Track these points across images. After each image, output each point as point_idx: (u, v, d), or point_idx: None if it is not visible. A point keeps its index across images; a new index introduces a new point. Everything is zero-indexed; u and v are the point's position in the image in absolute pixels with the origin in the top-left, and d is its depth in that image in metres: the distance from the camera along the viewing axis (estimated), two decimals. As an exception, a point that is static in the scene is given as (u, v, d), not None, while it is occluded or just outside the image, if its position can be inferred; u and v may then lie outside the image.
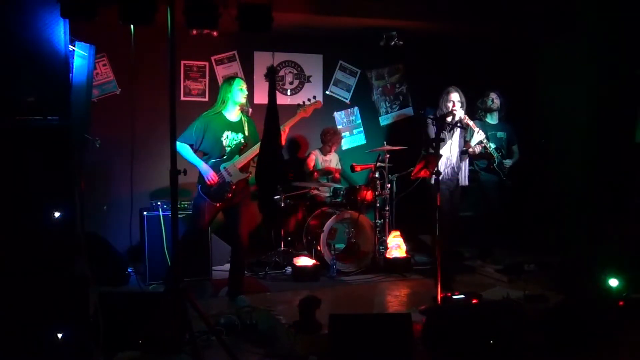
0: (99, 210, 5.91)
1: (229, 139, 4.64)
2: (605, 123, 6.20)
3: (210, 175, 4.54)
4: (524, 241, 6.73)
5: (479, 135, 5.71)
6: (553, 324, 3.83)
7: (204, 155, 4.66)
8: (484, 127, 5.86)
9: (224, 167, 4.60)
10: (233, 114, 4.68)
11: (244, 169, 4.67)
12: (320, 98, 7.02)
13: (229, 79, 4.74)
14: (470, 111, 5.94)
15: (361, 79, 7.27)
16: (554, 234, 6.60)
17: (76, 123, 3.68)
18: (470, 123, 5.67)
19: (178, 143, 4.50)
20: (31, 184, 3.21)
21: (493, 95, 5.96)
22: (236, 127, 4.68)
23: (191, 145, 4.60)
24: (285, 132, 4.61)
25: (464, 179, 5.53)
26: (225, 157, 4.63)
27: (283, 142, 4.58)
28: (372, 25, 6.17)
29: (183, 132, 4.57)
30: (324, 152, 6.58)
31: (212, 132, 4.60)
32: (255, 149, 4.62)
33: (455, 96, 5.38)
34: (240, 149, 4.65)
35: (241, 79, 4.76)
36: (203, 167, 4.56)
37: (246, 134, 4.69)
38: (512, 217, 6.44)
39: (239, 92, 4.62)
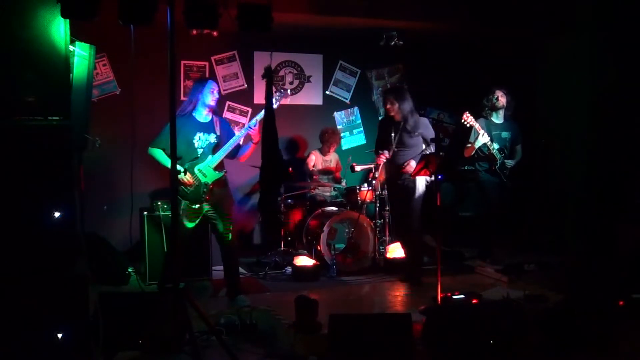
0: (99, 210, 5.91)
1: (201, 140, 4.63)
2: (605, 123, 6.21)
3: (185, 177, 4.53)
4: (524, 241, 6.73)
5: (483, 138, 5.70)
6: (553, 324, 3.82)
7: (178, 159, 4.63)
8: (489, 126, 5.84)
9: (198, 169, 4.59)
10: (203, 114, 4.67)
11: (218, 168, 4.65)
12: (320, 98, 7.09)
13: (201, 81, 4.71)
14: (476, 110, 5.93)
15: (361, 79, 7.27)
16: (554, 234, 6.61)
17: (76, 123, 3.68)
18: (475, 125, 5.65)
19: (151, 148, 4.54)
20: (31, 184, 3.21)
21: (498, 93, 5.89)
22: (207, 127, 4.67)
23: (164, 150, 4.57)
24: (256, 127, 4.59)
25: (417, 182, 5.25)
26: (198, 159, 4.62)
27: (256, 139, 4.59)
28: (372, 25, 6.17)
29: (156, 137, 4.59)
30: (323, 152, 6.58)
31: (183, 136, 4.55)
32: (229, 148, 4.62)
33: (390, 98, 5.29)
34: (213, 149, 4.64)
35: (213, 81, 4.72)
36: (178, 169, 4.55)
37: (218, 133, 4.69)
38: (512, 217, 6.44)
39: (209, 95, 4.60)
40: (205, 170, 4.59)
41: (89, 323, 3.34)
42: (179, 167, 4.52)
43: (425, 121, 5.33)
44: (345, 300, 4.97)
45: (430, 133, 5.29)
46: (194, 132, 4.61)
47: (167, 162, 4.54)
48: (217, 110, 4.78)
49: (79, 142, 4.05)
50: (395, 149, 5.28)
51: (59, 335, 3.17)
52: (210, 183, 4.60)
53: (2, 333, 3.12)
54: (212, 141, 4.64)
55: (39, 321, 3.17)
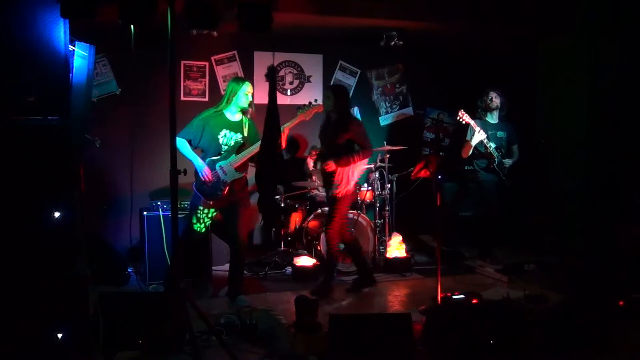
0: (99, 210, 5.91)
1: (227, 137, 4.65)
2: (605, 123, 6.21)
3: (205, 172, 4.57)
4: (524, 241, 6.73)
5: (479, 135, 5.74)
6: (553, 324, 3.82)
7: (201, 152, 4.70)
8: (485, 126, 5.87)
9: (220, 166, 4.62)
10: (235, 114, 4.70)
11: (240, 168, 4.67)
12: (320, 98, 7.08)
13: (238, 81, 4.71)
14: (473, 110, 5.95)
15: (361, 79, 7.27)
16: (554, 234, 6.61)
17: (76, 123, 3.68)
18: (471, 122, 5.70)
19: (177, 138, 4.54)
20: (31, 184, 3.21)
21: (492, 94, 5.94)
22: (235, 126, 4.69)
23: (190, 142, 4.63)
24: (284, 133, 4.61)
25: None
26: (221, 156, 4.64)
27: (284, 144, 4.58)
28: (372, 25, 6.17)
29: (184, 127, 4.61)
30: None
31: (210, 130, 4.63)
32: (253, 150, 4.63)
33: (327, 92, 5.13)
34: (237, 149, 4.66)
35: (249, 83, 4.73)
36: (199, 162, 4.59)
37: (245, 134, 4.70)
38: (512, 217, 6.44)
39: (244, 97, 4.64)
40: (226, 168, 4.62)
41: (89, 323, 3.34)
42: (199, 165, 4.56)
43: (362, 130, 5.03)
44: (345, 300, 4.97)
45: (365, 143, 4.99)
46: (221, 128, 4.64)
47: (189, 154, 4.59)
48: (248, 112, 4.80)
49: (79, 142, 4.05)
50: (325, 151, 5.09)
51: (59, 335, 3.17)
52: (228, 181, 4.62)
53: (2, 333, 3.12)
54: (238, 140, 4.67)
55: (39, 321, 3.17)
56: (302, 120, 4.76)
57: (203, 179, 4.58)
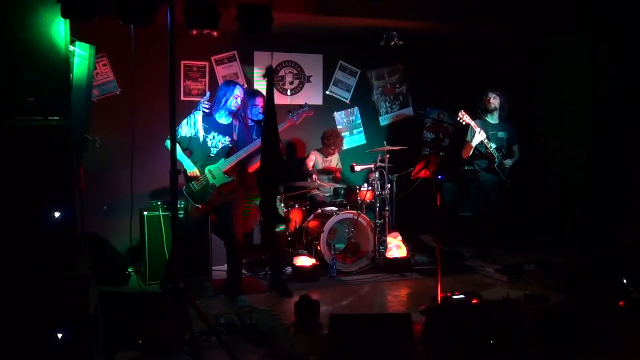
0: (99, 210, 5.91)
1: (214, 140, 4.65)
2: (605, 123, 6.21)
3: (194, 173, 4.57)
4: (524, 241, 6.73)
5: (480, 136, 5.75)
6: (553, 324, 3.82)
7: (190, 154, 4.71)
8: (485, 126, 5.87)
9: (209, 170, 4.62)
10: (224, 117, 4.70)
11: (229, 172, 4.66)
12: (320, 98, 7.09)
13: (229, 84, 4.73)
14: (474, 110, 5.96)
15: (361, 79, 7.27)
16: (554, 234, 6.61)
17: (76, 123, 3.67)
18: (472, 123, 5.70)
19: (168, 141, 4.55)
20: (31, 184, 3.21)
21: (491, 95, 5.95)
22: (223, 129, 4.69)
23: (179, 143, 4.61)
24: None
25: None
26: (210, 159, 4.64)
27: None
28: (372, 25, 6.17)
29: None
30: (325, 154, 6.57)
31: (197, 132, 4.64)
32: (242, 154, 4.63)
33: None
34: (226, 153, 4.66)
35: (240, 87, 4.72)
36: (188, 164, 4.61)
37: (234, 137, 4.70)
38: (512, 217, 6.44)
39: (232, 100, 4.64)
40: (215, 173, 4.62)
41: (89, 323, 3.34)
42: (189, 165, 4.57)
43: None
44: (345, 300, 4.97)
45: None
46: (209, 130, 4.65)
47: (178, 155, 4.54)
48: (240, 116, 4.79)
49: (79, 142, 4.04)
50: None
51: (59, 335, 3.17)
52: (217, 185, 4.62)
53: (2, 333, 3.12)
54: (225, 143, 4.66)
55: (39, 321, 3.17)
56: (292, 124, 4.76)
57: (189, 175, 4.59)
